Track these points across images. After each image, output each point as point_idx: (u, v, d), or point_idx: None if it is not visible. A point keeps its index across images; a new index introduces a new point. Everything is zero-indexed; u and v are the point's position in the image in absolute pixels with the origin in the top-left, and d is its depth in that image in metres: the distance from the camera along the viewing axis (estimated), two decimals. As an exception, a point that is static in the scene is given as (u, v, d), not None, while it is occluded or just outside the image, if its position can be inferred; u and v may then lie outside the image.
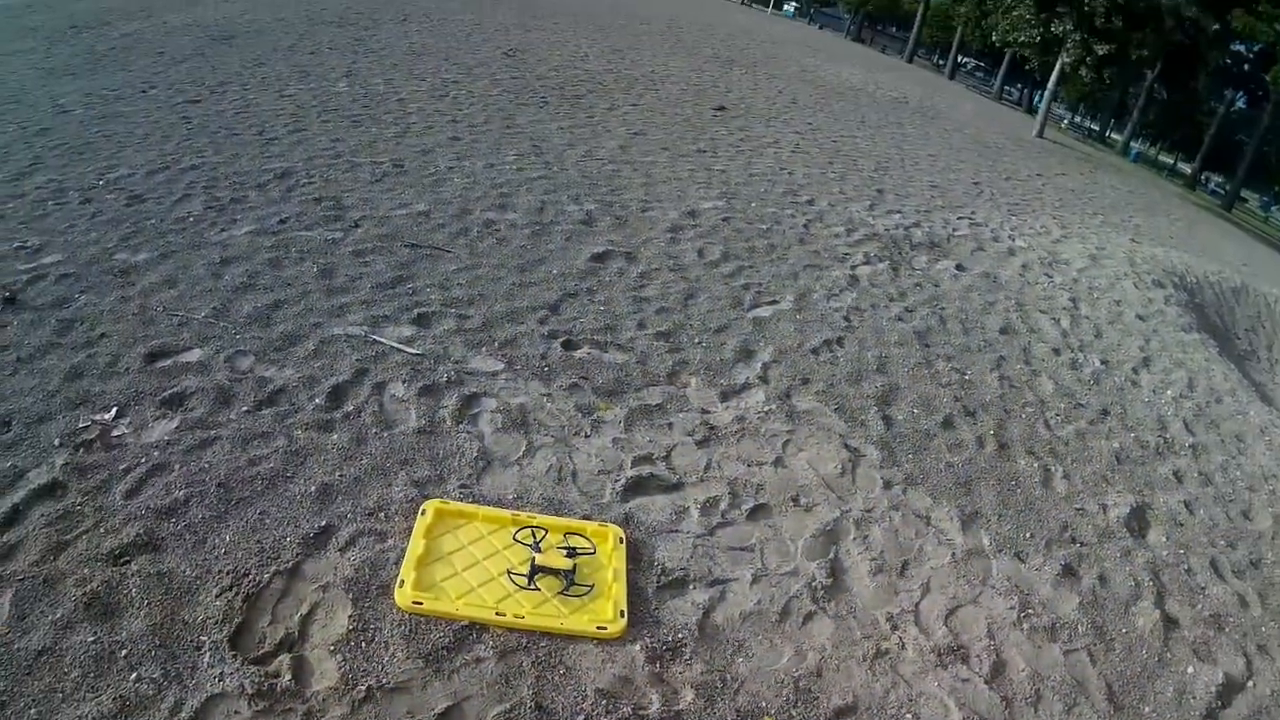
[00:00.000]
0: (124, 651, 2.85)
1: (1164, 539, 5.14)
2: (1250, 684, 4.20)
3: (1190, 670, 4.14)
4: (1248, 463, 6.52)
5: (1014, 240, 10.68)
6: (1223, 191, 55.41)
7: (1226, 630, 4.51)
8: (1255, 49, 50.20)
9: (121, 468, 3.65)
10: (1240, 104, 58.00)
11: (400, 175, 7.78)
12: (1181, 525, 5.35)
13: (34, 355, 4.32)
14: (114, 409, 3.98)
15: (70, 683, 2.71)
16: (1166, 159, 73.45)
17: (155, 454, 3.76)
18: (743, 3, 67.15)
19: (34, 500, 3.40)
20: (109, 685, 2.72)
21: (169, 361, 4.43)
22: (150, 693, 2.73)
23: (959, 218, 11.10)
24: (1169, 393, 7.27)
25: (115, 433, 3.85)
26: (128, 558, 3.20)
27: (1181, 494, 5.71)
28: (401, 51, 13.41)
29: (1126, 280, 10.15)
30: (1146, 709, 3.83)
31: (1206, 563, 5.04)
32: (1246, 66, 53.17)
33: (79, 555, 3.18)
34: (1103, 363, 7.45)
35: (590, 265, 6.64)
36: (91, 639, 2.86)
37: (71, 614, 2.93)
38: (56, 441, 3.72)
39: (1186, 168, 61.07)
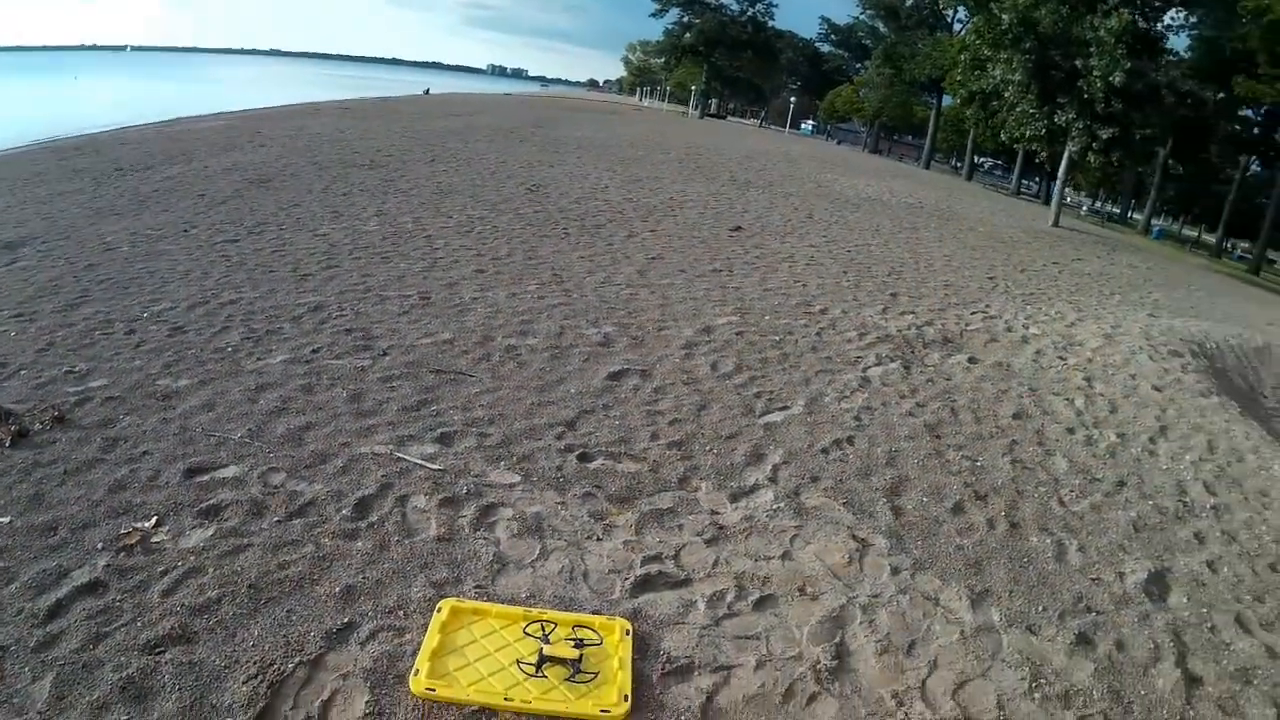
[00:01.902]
0: None
1: (1185, 600, 5.15)
2: None
3: (1215, 727, 4.16)
4: (1275, 516, 6.50)
5: (1028, 329, 10.86)
6: (1249, 256, 55.19)
7: (1255, 683, 4.50)
8: (1263, 111, 50.51)
9: (159, 570, 3.93)
10: (1256, 167, 58.03)
11: (426, 306, 8.21)
12: (1204, 585, 5.36)
13: (80, 469, 4.68)
14: (154, 518, 4.29)
15: None
16: (1190, 232, 73.37)
17: (191, 558, 4.04)
18: (760, 125, 68.97)
19: (76, 596, 3.69)
20: None
21: (206, 477, 4.76)
22: None
23: (972, 313, 11.33)
24: (1188, 458, 7.32)
25: (155, 539, 4.14)
26: (162, 648, 3.45)
27: (1204, 554, 5.72)
28: (429, 191, 14.06)
29: (1142, 354, 10.24)
30: (1169, 771, 3.86)
31: (1231, 619, 5.03)
32: (1257, 130, 53.37)
33: (117, 645, 3.43)
34: (1118, 436, 7.54)
35: (606, 384, 6.92)
36: (125, 719, 3.08)
37: (107, 696, 3.16)
38: (99, 545, 4.03)
39: (1211, 238, 60.93)
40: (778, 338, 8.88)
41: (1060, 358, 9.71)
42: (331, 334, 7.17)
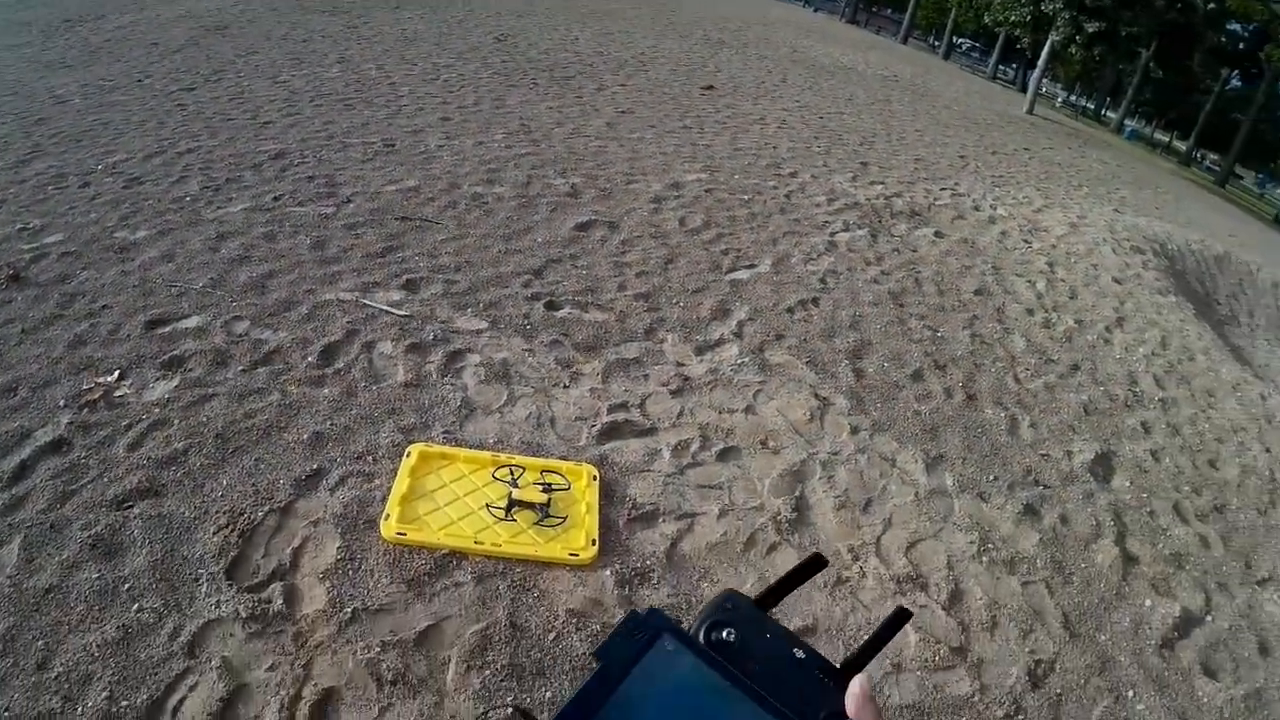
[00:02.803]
0: (126, 586, 3.04)
1: (1128, 484, 5.34)
2: (1209, 618, 4.42)
3: (1148, 604, 4.35)
4: (1218, 416, 6.72)
5: (995, 209, 10.86)
6: (1217, 169, 55.45)
7: (1187, 568, 4.73)
8: (1250, 28, 50.10)
9: (124, 424, 3.85)
10: (1235, 82, 57.84)
11: (391, 154, 7.96)
12: (1146, 472, 5.56)
13: (38, 327, 4.51)
14: (116, 372, 4.18)
15: (76, 616, 2.90)
16: (1162, 137, 73.40)
17: (156, 411, 3.96)
18: (736, -13, 67.06)
19: (40, 456, 3.61)
20: (112, 616, 2.92)
21: (168, 328, 4.63)
22: (151, 621, 2.93)
23: (941, 188, 11.28)
24: (1141, 350, 7.47)
25: (117, 393, 4.04)
26: (130, 503, 3.40)
27: (1148, 443, 5.91)
28: (393, 38, 13.53)
29: (1105, 246, 10.33)
30: (1102, 637, 4.04)
31: (1170, 506, 5.25)
32: (1241, 46, 52.94)
33: (84, 502, 3.38)
34: (1076, 322, 7.65)
35: (574, 234, 6.82)
36: (96, 576, 3.06)
37: (77, 555, 3.13)
38: (61, 403, 3.92)
39: (1182, 145, 61.08)
40: (746, 197, 8.78)
41: (1025, 241, 9.75)
42: (294, 181, 6.91)
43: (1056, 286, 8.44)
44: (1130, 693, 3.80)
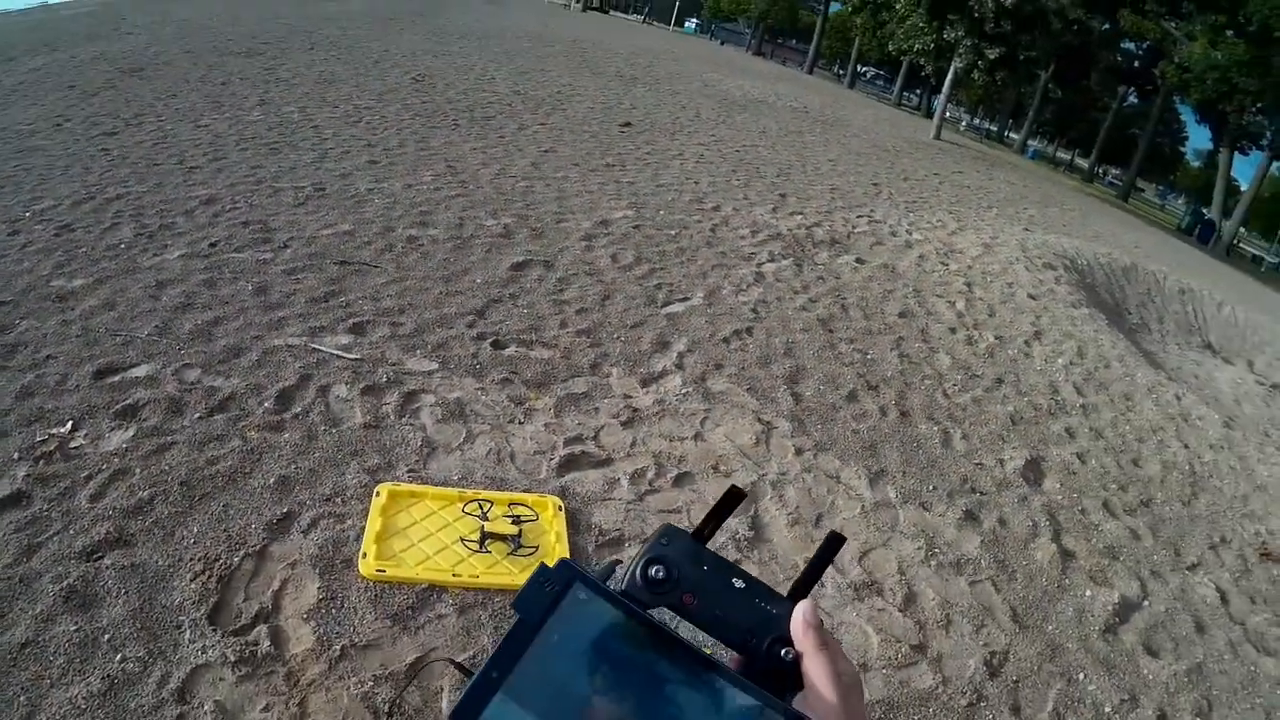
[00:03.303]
0: (107, 637, 3.02)
1: (1058, 485, 5.69)
2: (1146, 603, 4.77)
3: (1088, 594, 4.69)
4: (1136, 418, 7.12)
5: (911, 234, 11.28)
6: (1119, 183, 57.58)
7: (1121, 559, 5.09)
8: (1144, 46, 52.13)
9: (84, 475, 3.81)
10: (1132, 99, 60.16)
11: (322, 198, 7.97)
12: (1074, 474, 5.91)
13: None
14: (69, 422, 4.12)
15: (57, 669, 2.87)
16: (1064, 155, 76.00)
17: (115, 460, 3.94)
18: (644, 22, 68.06)
19: (0, 509, 3.55)
20: (95, 668, 2.90)
21: (117, 377, 4.59)
22: (137, 670, 2.93)
23: (859, 216, 11.68)
24: (1060, 361, 7.86)
25: (73, 444, 3.99)
26: (100, 554, 3.38)
27: (1074, 447, 6.28)
28: (312, 80, 13.52)
29: (1019, 264, 10.80)
30: (1050, 627, 4.35)
31: (1099, 504, 5.62)
32: (1136, 63, 55.04)
33: (52, 555, 3.33)
34: (996, 338, 8.02)
35: (511, 274, 6.95)
36: (74, 628, 3.02)
37: (51, 608, 3.09)
38: (15, 455, 3.85)
39: (1084, 162, 63.29)
40: (673, 232, 9.00)
41: (942, 263, 10.16)
42: (228, 227, 6.88)
43: (975, 305, 8.82)
44: (1081, 675, 4.08)
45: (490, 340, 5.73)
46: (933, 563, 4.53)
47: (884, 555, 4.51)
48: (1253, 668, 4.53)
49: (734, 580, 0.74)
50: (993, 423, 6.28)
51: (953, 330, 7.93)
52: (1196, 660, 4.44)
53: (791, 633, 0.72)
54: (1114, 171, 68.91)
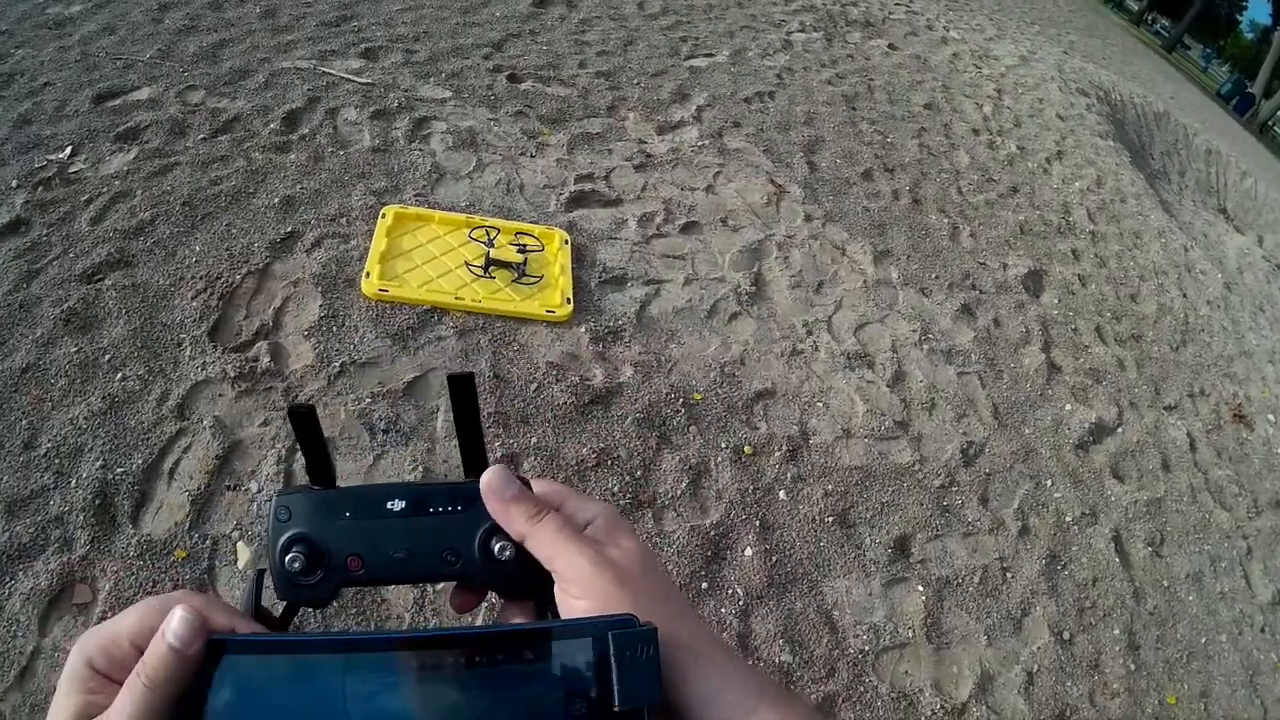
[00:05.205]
0: (107, 357, 2.99)
1: (1056, 301, 5.65)
2: (1120, 430, 4.82)
3: (1068, 408, 4.73)
4: (1142, 256, 7.03)
5: (948, 31, 10.83)
6: (1166, 33, 55.34)
7: (1104, 384, 5.12)
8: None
9: (84, 199, 3.68)
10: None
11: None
12: (1073, 293, 5.87)
13: None
14: (68, 147, 3.94)
15: (58, 391, 2.85)
16: (1115, -7, 72.82)
17: (116, 183, 3.80)
18: None
19: None
20: (96, 387, 2.88)
21: (118, 101, 4.36)
22: (137, 388, 2.92)
23: (896, 3, 11.15)
24: (1077, 185, 7.69)
25: (73, 169, 3.84)
26: (101, 275, 3.31)
27: (1077, 269, 6.21)
28: None
29: (1052, 83, 10.42)
30: (1026, 430, 4.41)
31: (1092, 327, 5.60)
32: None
33: (52, 279, 3.25)
34: (1019, 148, 7.82)
35: (532, 10, 6.63)
36: (74, 350, 2.99)
37: (51, 331, 3.04)
38: (14, 183, 3.68)
39: (1134, 4, 60.65)
40: (703, -13, 8.61)
41: (975, 66, 9.79)
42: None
43: (1003, 113, 8.55)
44: (1049, 482, 4.17)
45: (506, 74, 5.52)
46: (925, 347, 4.55)
47: (879, 330, 4.52)
48: (1207, 515, 4.62)
49: (390, 504, 0.61)
50: (1001, 228, 6.19)
51: (976, 132, 7.71)
52: (1158, 495, 4.52)
53: (489, 510, 0.61)
54: (1163, 21, 65.91)
